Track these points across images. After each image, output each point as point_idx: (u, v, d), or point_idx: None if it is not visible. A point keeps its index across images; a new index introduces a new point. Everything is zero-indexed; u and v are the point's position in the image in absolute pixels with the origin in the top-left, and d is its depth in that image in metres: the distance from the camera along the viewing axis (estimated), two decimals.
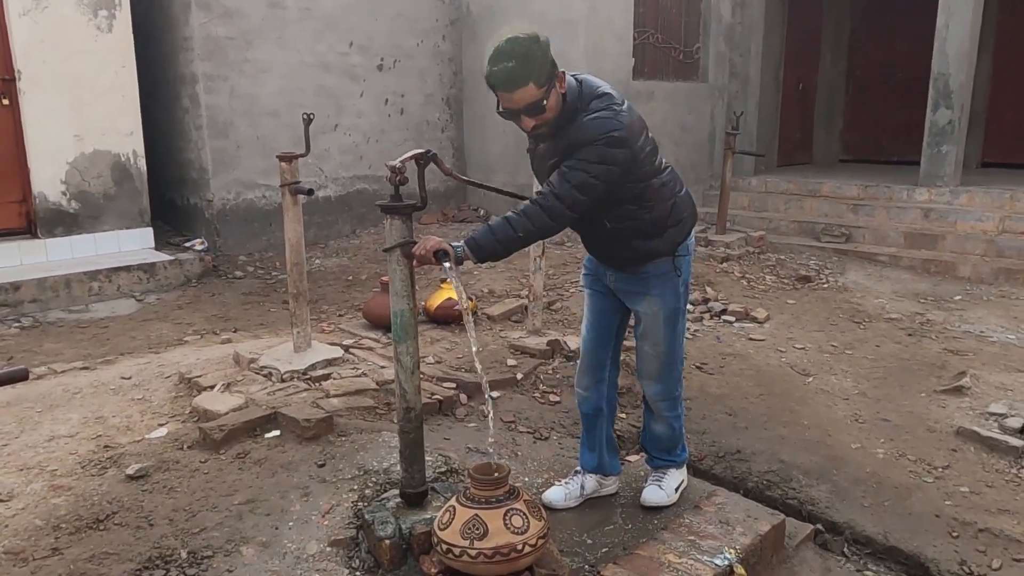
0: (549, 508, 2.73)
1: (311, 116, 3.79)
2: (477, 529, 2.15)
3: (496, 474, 2.25)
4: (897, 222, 7.48)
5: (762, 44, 8.93)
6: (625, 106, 2.40)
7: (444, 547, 2.18)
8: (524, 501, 2.26)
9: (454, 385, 3.81)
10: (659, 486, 2.80)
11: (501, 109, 2.37)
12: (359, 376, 3.79)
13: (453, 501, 2.27)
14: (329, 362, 3.88)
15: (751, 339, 5.00)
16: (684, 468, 2.90)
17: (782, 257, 7.07)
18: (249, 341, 4.53)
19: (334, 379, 3.73)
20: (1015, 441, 3.49)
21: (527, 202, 2.38)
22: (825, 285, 6.37)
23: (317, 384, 3.68)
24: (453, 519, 2.20)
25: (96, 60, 5.92)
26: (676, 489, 2.82)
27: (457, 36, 8.15)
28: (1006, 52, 9.07)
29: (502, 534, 2.15)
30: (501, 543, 2.13)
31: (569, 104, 2.38)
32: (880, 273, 6.71)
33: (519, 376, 4.05)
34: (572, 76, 2.43)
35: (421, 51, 7.87)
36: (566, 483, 2.86)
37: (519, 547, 2.14)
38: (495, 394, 3.85)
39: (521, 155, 8.44)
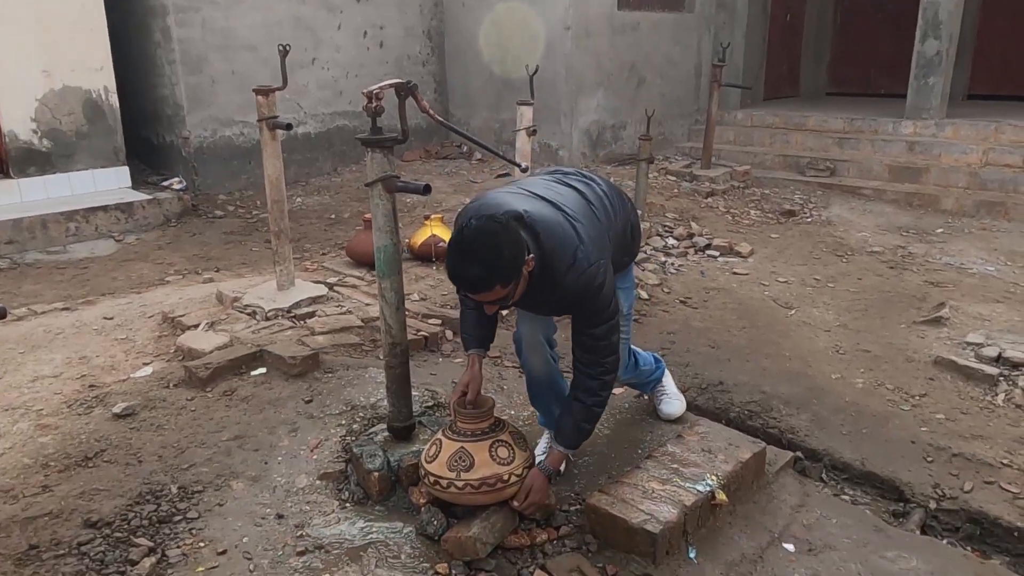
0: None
1: (287, 47, 3.68)
2: (463, 461, 2.18)
3: (481, 407, 2.28)
4: (882, 155, 7.46)
5: None
6: (585, 247, 2.12)
7: (431, 479, 2.21)
8: (509, 433, 2.29)
9: (439, 322, 3.81)
10: (668, 398, 2.90)
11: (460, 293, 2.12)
12: (344, 313, 3.78)
13: (439, 434, 2.29)
14: (313, 300, 3.87)
15: (735, 273, 5.02)
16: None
17: (767, 191, 7.06)
18: (232, 280, 4.50)
19: (319, 317, 3.72)
20: (990, 369, 3.57)
21: (579, 388, 2.26)
22: (809, 219, 6.38)
23: (302, 322, 3.67)
24: (440, 452, 2.23)
25: None
26: (677, 390, 2.95)
27: None
28: None
29: (488, 465, 2.18)
30: (487, 474, 2.17)
31: (536, 267, 2.08)
32: (864, 207, 6.72)
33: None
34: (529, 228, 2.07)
35: None
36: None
37: (505, 477, 2.18)
38: None
39: (504, 89, 8.20)
